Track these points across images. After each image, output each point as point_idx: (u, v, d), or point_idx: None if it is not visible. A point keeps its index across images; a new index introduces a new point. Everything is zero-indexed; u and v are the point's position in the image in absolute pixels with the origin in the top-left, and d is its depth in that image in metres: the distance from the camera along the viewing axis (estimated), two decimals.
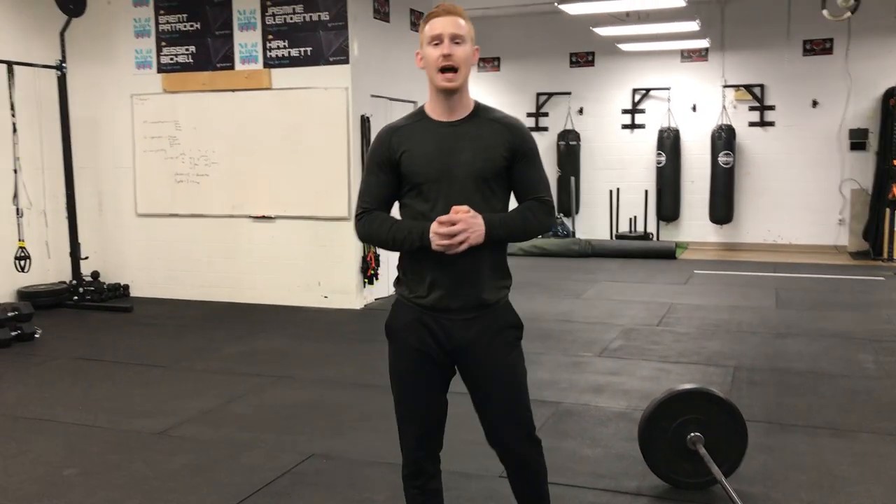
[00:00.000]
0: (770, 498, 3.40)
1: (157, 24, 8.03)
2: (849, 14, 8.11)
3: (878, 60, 10.73)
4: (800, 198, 11.26)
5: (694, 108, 11.74)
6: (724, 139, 11.33)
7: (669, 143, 11.71)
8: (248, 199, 7.82)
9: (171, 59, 8.00)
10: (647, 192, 11.87)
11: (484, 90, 12.64)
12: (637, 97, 12.04)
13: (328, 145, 7.39)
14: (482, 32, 12.30)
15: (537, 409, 4.47)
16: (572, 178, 12.00)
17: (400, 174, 2.41)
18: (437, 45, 2.32)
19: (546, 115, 12.53)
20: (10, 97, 7.24)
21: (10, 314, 6.32)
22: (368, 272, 7.60)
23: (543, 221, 2.46)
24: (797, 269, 9.61)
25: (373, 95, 7.58)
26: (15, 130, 7.31)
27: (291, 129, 7.58)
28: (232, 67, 7.78)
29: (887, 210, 10.16)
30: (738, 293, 8.15)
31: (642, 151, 12.00)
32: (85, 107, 8.24)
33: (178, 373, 5.53)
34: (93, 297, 7.89)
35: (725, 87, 11.51)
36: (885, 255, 10.22)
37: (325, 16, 7.40)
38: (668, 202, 11.81)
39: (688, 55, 11.73)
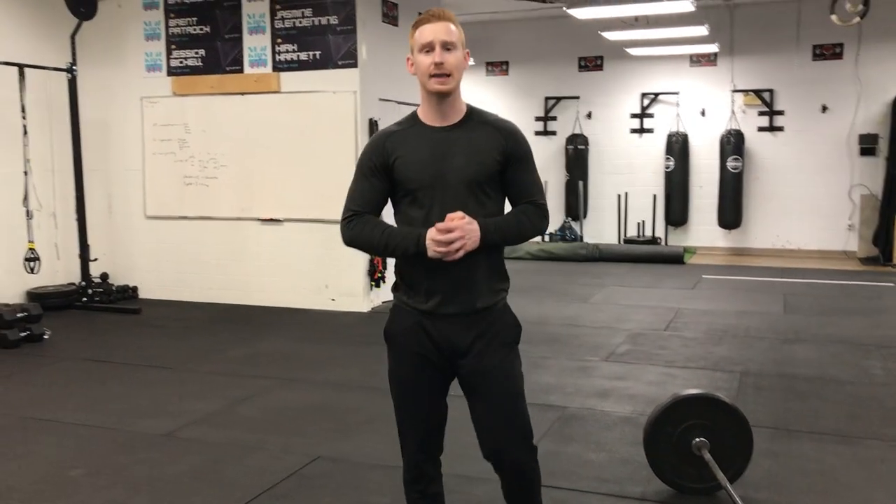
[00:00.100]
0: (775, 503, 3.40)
1: (167, 27, 8.07)
2: (857, 19, 8.09)
3: (888, 65, 10.69)
4: (809, 203, 11.22)
5: (703, 113, 11.72)
6: (732, 144, 11.31)
7: (678, 147, 11.69)
8: (257, 201, 7.85)
9: (181, 62, 8.05)
10: (655, 196, 11.85)
11: (493, 94, 12.66)
12: (646, 101, 12.03)
13: (336, 148, 7.41)
14: (491, 36, 12.47)
15: (542, 413, 4.51)
16: (580, 183, 11.99)
17: (393, 180, 2.40)
18: (428, 52, 2.31)
19: (554, 119, 12.52)
20: (21, 99, 7.29)
21: (19, 315, 6.36)
22: (376, 275, 7.62)
23: (537, 225, 2.46)
24: (806, 275, 9.57)
25: (381, 99, 7.59)
26: (26, 133, 7.36)
27: (300, 133, 7.61)
28: (241, 71, 7.82)
29: None
30: (746, 298, 8.13)
31: (651, 156, 11.99)
32: (95, 109, 8.29)
33: (185, 374, 5.56)
34: (101, 298, 7.93)
35: (734, 91, 11.49)
36: (895, 261, 10.16)
37: (333, 20, 7.42)
38: (676, 207, 11.78)
39: (697, 60, 11.71)
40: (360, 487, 3.60)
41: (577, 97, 12.33)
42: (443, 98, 2.36)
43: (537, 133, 12.50)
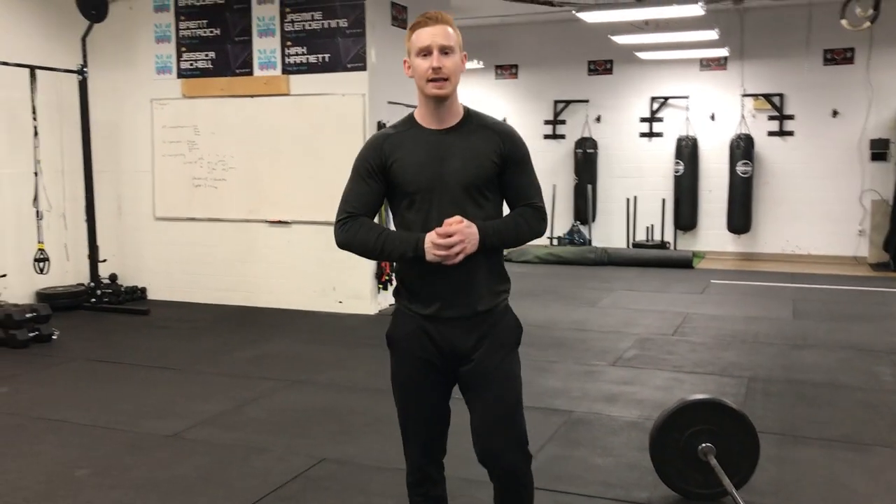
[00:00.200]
0: None
1: (177, 29, 8.10)
2: (868, 24, 8.05)
3: None
4: (819, 208, 11.16)
5: (712, 117, 11.68)
6: (742, 148, 11.26)
7: (687, 151, 11.66)
8: (265, 203, 7.87)
9: (191, 64, 8.08)
10: (664, 200, 11.81)
11: (502, 97, 12.66)
12: (655, 105, 12.00)
13: (345, 151, 7.31)
14: (500, 40, 12.46)
15: (549, 417, 4.50)
16: (589, 186, 11.96)
17: (390, 183, 2.39)
18: (425, 56, 2.30)
19: (563, 122, 12.50)
20: (32, 101, 7.33)
21: (28, 315, 6.38)
22: (383, 278, 7.62)
23: (536, 228, 2.45)
24: (815, 280, 9.52)
25: (389, 102, 7.60)
26: (36, 134, 7.40)
27: (308, 135, 7.62)
28: (251, 73, 7.84)
29: None
30: (754, 303, 8.09)
31: (660, 160, 11.95)
32: (105, 111, 8.32)
33: (193, 375, 5.57)
34: (110, 299, 7.96)
35: (744, 96, 11.44)
36: None
37: (343, 23, 7.44)
38: (685, 211, 11.74)
39: (707, 64, 11.67)
40: (365, 490, 3.60)
41: (587, 101, 12.31)
42: (440, 101, 2.35)
43: (546, 137, 12.49)
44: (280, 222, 7.83)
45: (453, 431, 2.56)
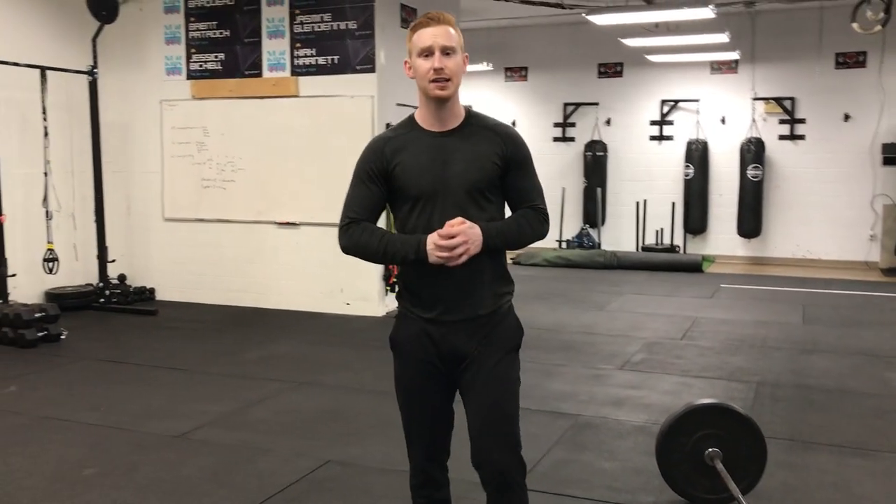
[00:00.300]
0: None
1: (187, 30, 8.13)
2: (879, 27, 8.00)
3: None
4: (830, 212, 11.10)
5: (723, 121, 11.64)
6: (753, 152, 11.21)
7: (698, 155, 11.61)
8: (274, 205, 7.88)
9: (201, 65, 8.10)
10: (674, 204, 11.77)
11: (511, 100, 12.65)
12: (665, 109, 11.96)
13: (353, 153, 7.30)
14: (510, 42, 12.47)
15: (555, 421, 4.48)
16: (599, 189, 11.94)
17: (392, 186, 2.38)
18: (427, 56, 2.28)
19: (573, 125, 12.48)
20: (43, 101, 7.37)
21: (37, 315, 6.40)
22: (391, 280, 7.61)
23: (538, 229, 2.44)
24: (826, 285, 9.46)
25: (398, 104, 7.59)
26: (46, 134, 7.44)
27: (317, 137, 7.63)
28: (260, 75, 7.86)
29: None
30: (764, 308, 8.04)
31: (670, 163, 11.91)
32: (115, 112, 8.35)
33: (200, 376, 5.58)
34: (119, 299, 7.98)
35: (755, 99, 11.39)
36: None
37: (352, 25, 7.45)
38: (695, 215, 11.70)
39: (717, 67, 11.63)
40: (370, 492, 3.59)
41: (597, 104, 12.28)
42: (442, 103, 2.33)
43: (556, 139, 12.48)
44: (289, 224, 7.84)
45: (458, 434, 2.54)
